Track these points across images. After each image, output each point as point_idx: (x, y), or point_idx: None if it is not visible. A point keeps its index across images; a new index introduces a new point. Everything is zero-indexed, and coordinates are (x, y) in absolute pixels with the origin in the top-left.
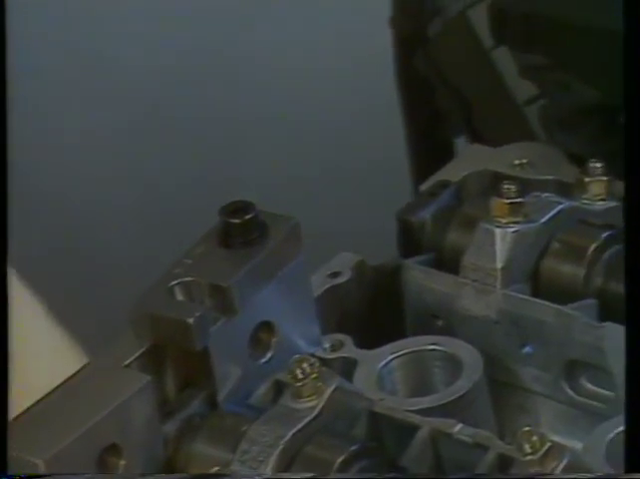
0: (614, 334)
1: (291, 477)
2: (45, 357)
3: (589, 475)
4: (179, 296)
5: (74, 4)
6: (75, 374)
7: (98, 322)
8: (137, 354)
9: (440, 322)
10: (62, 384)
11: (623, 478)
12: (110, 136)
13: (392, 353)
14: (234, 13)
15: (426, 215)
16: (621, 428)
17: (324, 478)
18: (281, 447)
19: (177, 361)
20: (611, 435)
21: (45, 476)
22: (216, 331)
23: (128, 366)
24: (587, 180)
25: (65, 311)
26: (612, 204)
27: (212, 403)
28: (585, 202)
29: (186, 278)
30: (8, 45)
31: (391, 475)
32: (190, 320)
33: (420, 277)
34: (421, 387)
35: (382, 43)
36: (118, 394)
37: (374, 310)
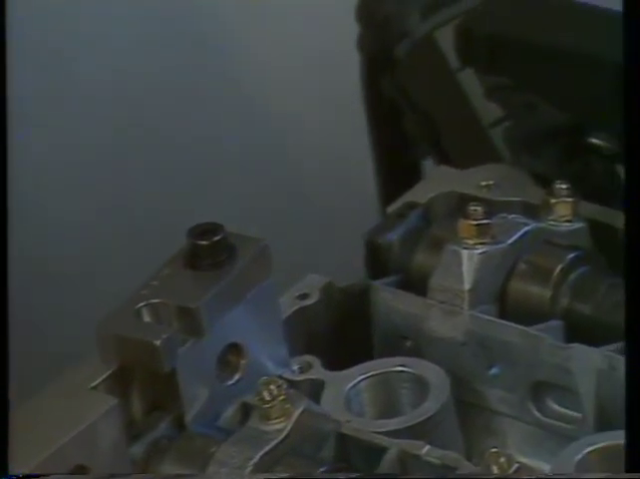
0: (581, 355)
1: (270, 477)
2: None
3: (588, 475)
4: (147, 318)
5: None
6: (40, 396)
7: (64, 343)
8: (103, 376)
9: (408, 343)
10: (27, 406)
11: (623, 478)
12: (78, 155)
13: (360, 375)
14: (210, 36)
15: (393, 236)
16: (589, 449)
17: (309, 477)
18: (250, 469)
19: (145, 383)
20: (579, 456)
21: (44, 476)
22: (184, 353)
23: (94, 388)
24: (553, 201)
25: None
26: (578, 225)
27: (180, 425)
28: (551, 223)
29: (154, 300)
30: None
31: (388, 475)
32: (158, 342)
33: (388, 299)
34: (388, 409)
35: (349, 66)
36: (84, 417)
37: (342, 332)
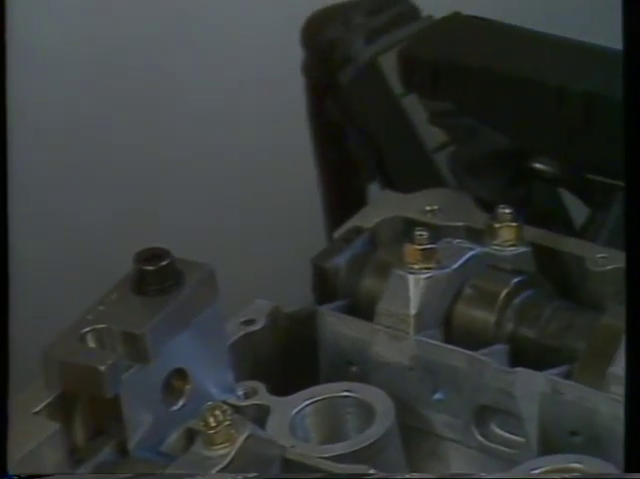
0: (524, 379)
1: (247, 475)
2: None
3: (589, 475)
4: (91, 344)
5: None
6: None
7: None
8: (46, 402)
9: (354, 369)
10: None
11: (623, 478)
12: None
13: (305, 400)
14: (160, 58)
15: (340, 261)
16: (532, 473)
17: (294, 476)
18: None
19: (88, 408)
20: None
21: (45, 476)
22: (129, 378)
23: (37, 413)
24: (497, 225)
25: None
26: (522, 249)
27: (123, 450)
28: (495, 247)
29: (99, 326)
30: None
31: (384, 475)
32: (102, 368)
33: (334, 324)
34: (334, 434)
35: (294, 90)
36: (26, 442)
37: (288, 357)
